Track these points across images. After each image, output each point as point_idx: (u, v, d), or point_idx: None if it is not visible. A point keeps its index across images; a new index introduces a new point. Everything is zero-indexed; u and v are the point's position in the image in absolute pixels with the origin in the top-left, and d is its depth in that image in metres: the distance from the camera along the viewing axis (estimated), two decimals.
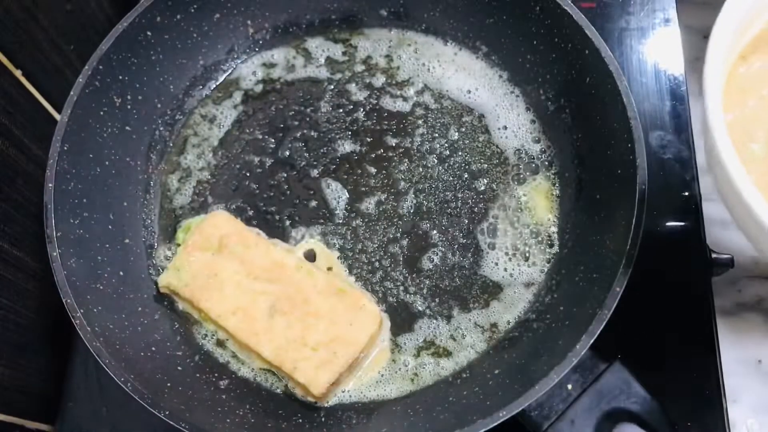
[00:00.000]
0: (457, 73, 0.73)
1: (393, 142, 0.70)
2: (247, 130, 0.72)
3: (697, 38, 0.78)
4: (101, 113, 0.64)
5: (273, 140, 0.71)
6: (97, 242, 0.61)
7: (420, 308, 0.63)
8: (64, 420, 0.65)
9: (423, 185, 0.68)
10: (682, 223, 0.68)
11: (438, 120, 0.71)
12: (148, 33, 0.66)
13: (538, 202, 0.66)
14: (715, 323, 0.64)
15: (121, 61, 0.64)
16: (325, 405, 0.60)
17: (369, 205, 0.68)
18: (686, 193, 0.69)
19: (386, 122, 0.71)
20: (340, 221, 0.67)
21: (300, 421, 0.58)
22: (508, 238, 0.65)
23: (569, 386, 0.53)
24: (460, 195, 0.67)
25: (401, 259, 0.65)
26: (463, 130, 0.70)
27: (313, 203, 0.68)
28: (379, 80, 0.73)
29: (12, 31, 0.62)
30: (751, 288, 0.70)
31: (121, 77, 0.65)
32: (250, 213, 0.68)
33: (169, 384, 0.56)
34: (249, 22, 0.74)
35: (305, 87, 0.74)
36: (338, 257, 0.66)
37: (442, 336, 0.62)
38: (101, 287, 0.59)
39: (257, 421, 0.56)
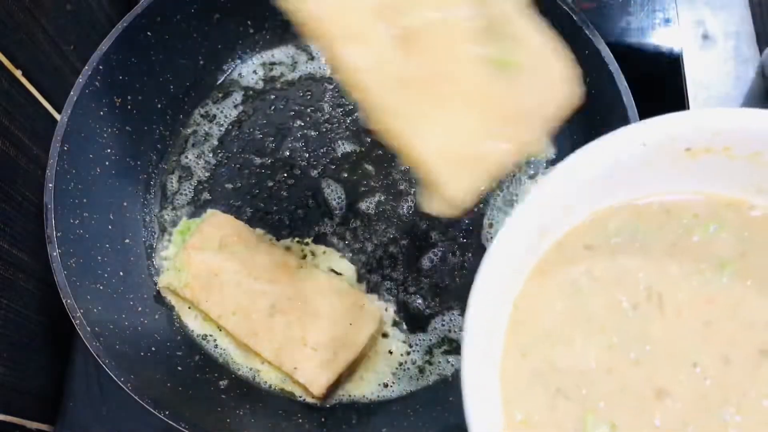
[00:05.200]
0: None
1: None
2: (247, 130, 0.72)
3: (697, 39, 0.78)
4: (101, 113, 0.64)
5: (273, 140, 0.71)
6: (97, 242, 0.61)
7: (420, 308, 0.63)
8: (64, 420, 0.65)
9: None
10: None
11: None
12: (148, 33, 0.66)
13: None
14: None
15: (121, 61, 0.64)
16: (325, 405, 0.60)
17: (369, 205, 0.68)
18: None
19: None
20: (340, 221, 0.67)
21: (300, 421, 0.58)
22: None
23: None
24: None
25: (401, 259, 0.65)
26: None
27: (313, 203, 0.68)
28: None
29: (12, 31, 0.62)
30: None
31: (121, 77, 0.65)
32: (250, 213, 0.68)
33: (169, 384, 0.56)
34: (249, 22, 0.74)
35: (305, 87, 0.74)
36: (338, 257, 0.65)
37: (456, 328, 0.62)
38: (101, 287, 0.59)
39: (257, 421, 0.56)
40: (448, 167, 0.38)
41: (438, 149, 0.37)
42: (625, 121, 0.57)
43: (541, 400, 0.39)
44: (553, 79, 0.38)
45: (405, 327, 0.63)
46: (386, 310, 0.63)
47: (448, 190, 0.38)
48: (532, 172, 0.67)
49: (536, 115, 0.38)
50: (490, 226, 0.66)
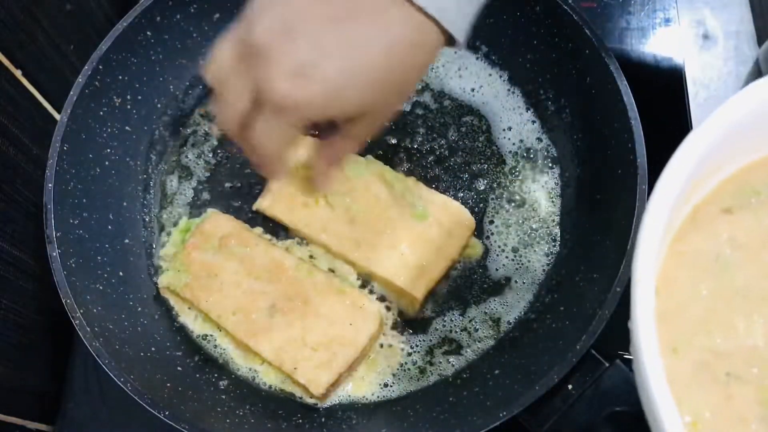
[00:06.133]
0: (457, 73, 0.73)
1: (393, 141, 0.70)
2: None
3: (697, 39, 0.78)
4: (101, 113, 0.64)
5: None
6: (97, 242, 0.61)
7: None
8: (64, 420, 0.65)
9: None
10: None
11: (438, 120, 0.71)
12: (148, 33, 0.66)
13: (538, 202, 0.66)
14: None
15: (121, 61, 0.64)
16: (325, 405, 0.60)
17: None
18: None
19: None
20: None
21: (300, 421, 0.58)
22: (508, 238, 0.65)
23: (569, 386, 0.53)
24: (460, 195, 0.67)
25: None
26: (463, 130, 0.70)
27: None
28: None
29: (12, 31, 0.62)
30: None
31: (121, 77, 0.65)
32: (250, 213, 0.68)
33: (169, 384, 0.56)
34: None
35: None
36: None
37: (456, 329, 0.62)
38: (101, 287, 0.59)
39: (257, 421, 0.56)
40: (404, 277, 0.61)
41: (394, 268, 0.61)
42: (625, 121, 0.57)
43: (712, 391, 0.34)
44: (452, 221, 0.62)
45: (405, 327, 0.63)
46: (387, 310, 0.63)
47: (413, 291, 0.60)
48: (536, 170, 0.67)
49: (446, 243, 0.62)
50: (491, 222, 0.66)
